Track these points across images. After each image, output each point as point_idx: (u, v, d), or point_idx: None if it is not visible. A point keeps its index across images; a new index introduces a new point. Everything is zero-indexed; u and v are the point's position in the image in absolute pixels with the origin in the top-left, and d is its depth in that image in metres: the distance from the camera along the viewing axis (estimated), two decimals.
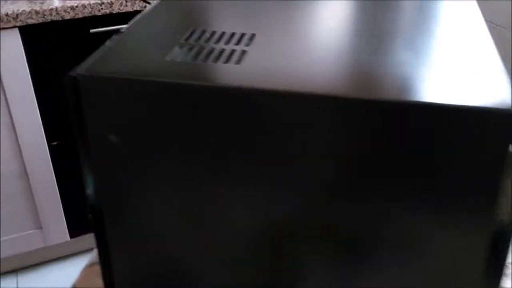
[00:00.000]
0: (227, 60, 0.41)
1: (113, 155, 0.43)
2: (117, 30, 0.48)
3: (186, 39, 0.45)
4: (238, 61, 0.41)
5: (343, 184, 0.39)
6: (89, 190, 0.45)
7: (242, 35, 0.46)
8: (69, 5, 1.20)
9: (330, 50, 0.43)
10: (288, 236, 0.43)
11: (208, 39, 0.45)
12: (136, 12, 1.26)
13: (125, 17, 1.26)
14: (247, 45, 0.44)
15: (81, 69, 0.40)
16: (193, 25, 0.48)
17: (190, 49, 0.43)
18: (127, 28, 0.47)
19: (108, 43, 0.45)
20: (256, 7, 0.52)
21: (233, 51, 0.43)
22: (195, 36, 0.46)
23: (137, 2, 1.24)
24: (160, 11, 0.51)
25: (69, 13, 1.21)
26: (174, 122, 0.40)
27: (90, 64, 0.40)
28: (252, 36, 0.45)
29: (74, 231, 1.52)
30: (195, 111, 0.39)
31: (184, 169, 0.42)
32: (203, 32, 0.47)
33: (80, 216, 1.50)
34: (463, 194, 0.37)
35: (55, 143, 1.35)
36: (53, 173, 1.39)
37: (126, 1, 1.23)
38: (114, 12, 1.24)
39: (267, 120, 0.38)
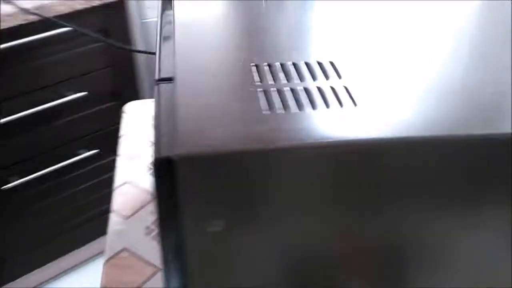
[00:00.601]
0: (340, 104, 0.34)
1: (211, 244, 0.33)
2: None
3: (260, 80, 0.36)
4: (354, 103, 0.34)
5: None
6: None
7: (321, 65, 0.38)
8: None
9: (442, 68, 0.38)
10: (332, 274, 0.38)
11: (288, 76, 0.37)
12: (22, 26, 1.05)
13: (6, 34, 1.04)
14: (339, 77, 0.37)
15: (177, 147, 0.29)
16: (245, 56, 0.39)
17: (280, 93, 0.35)
18: (176, 80, 0.36)
19: (164, 101, 0.34)
20: (288, 23, 0.45)
21: (333, 89, 0.35)
22: (265, 74, 0.37)
23: (20, 15, 1.03)
24: (188, 48, 0.41)
25: None
26: (301, 190, 0.32)
27: (185, 140, 0.30)
28: (332, 64, 0.38)
29: None
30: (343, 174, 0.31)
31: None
32: (270, 66, 0.38)
33: None
34: None
35: None
36: None
37: (8, 16, 1.01)
38: None
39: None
